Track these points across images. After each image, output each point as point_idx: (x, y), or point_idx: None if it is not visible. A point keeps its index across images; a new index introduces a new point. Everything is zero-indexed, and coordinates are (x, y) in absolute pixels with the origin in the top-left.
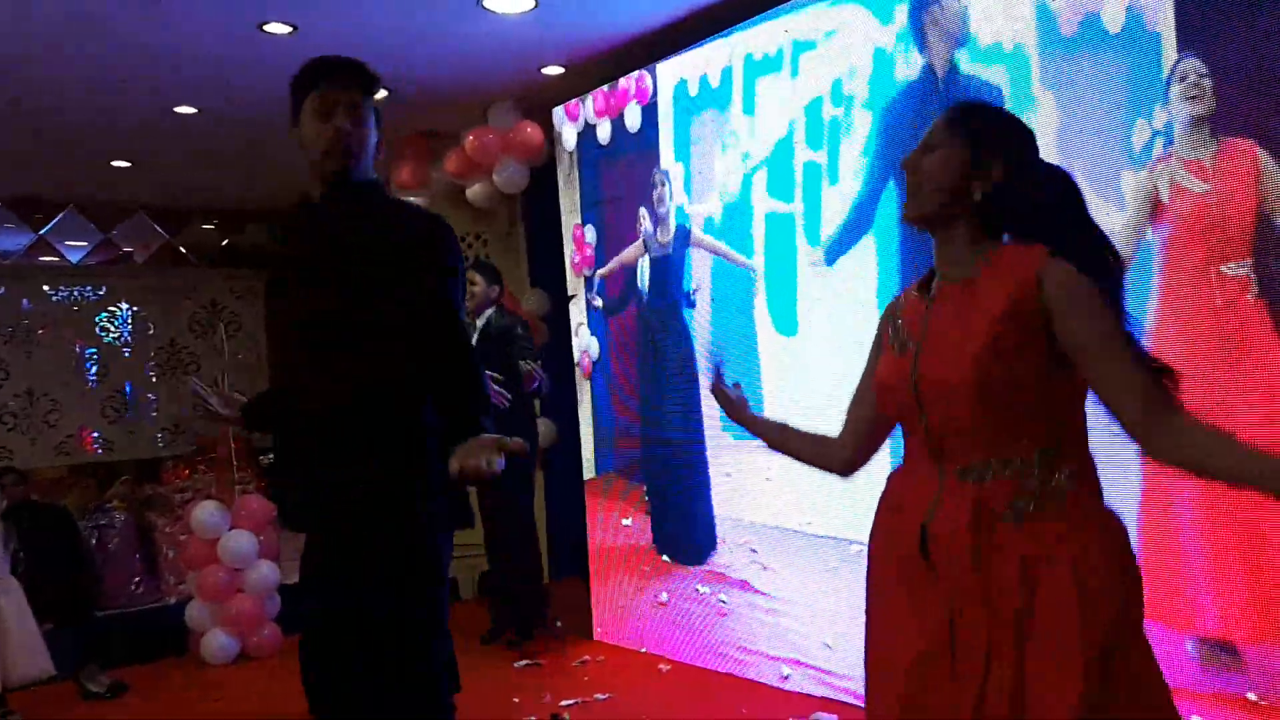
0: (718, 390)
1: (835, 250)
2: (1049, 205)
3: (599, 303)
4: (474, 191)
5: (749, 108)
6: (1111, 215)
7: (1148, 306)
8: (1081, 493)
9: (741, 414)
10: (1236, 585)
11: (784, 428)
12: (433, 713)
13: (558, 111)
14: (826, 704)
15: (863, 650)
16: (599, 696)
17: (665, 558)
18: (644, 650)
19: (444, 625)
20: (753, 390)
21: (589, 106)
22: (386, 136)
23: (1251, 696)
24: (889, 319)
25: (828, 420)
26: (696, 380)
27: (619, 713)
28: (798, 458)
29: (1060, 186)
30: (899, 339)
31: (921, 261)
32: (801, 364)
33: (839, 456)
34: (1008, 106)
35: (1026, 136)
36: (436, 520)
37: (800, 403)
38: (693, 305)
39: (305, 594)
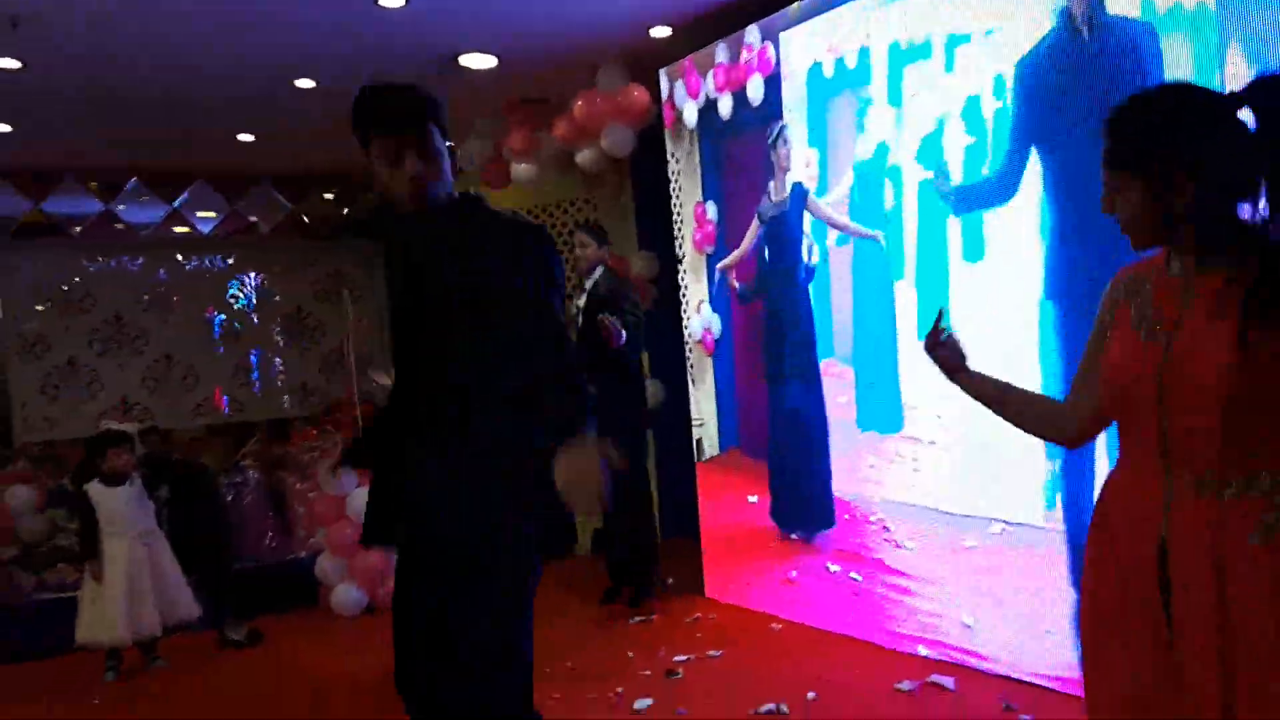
0: (932, 345)
1: (967, 201)
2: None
3: (740, 290)
4: (583, 156)
5: (894, 98)
6: None
7: None
8: None
9: (957, 371)
10: None
11: (1006, 386)
12: None
13: (664, 73)
14: (943, 666)
15: (1079, 648)
16: (712, 653)
17: (782, 529)
18: (756, 609)
19: (520, 651)
20: (893, 396)
21: (710, 82)
22: (497, 103)
23: None
24: (1127, 293)
25: (976, 432)
26: (815, 354)
27: (732, 669)
28: (1016, 422)
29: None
30: (1145, 321)
31: (1088, 258)
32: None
33: (1068, 427)
34: (1191, 73)
35: (1205, 120)
36: (524, 542)
37: (947, 414)
38: (811, 278)
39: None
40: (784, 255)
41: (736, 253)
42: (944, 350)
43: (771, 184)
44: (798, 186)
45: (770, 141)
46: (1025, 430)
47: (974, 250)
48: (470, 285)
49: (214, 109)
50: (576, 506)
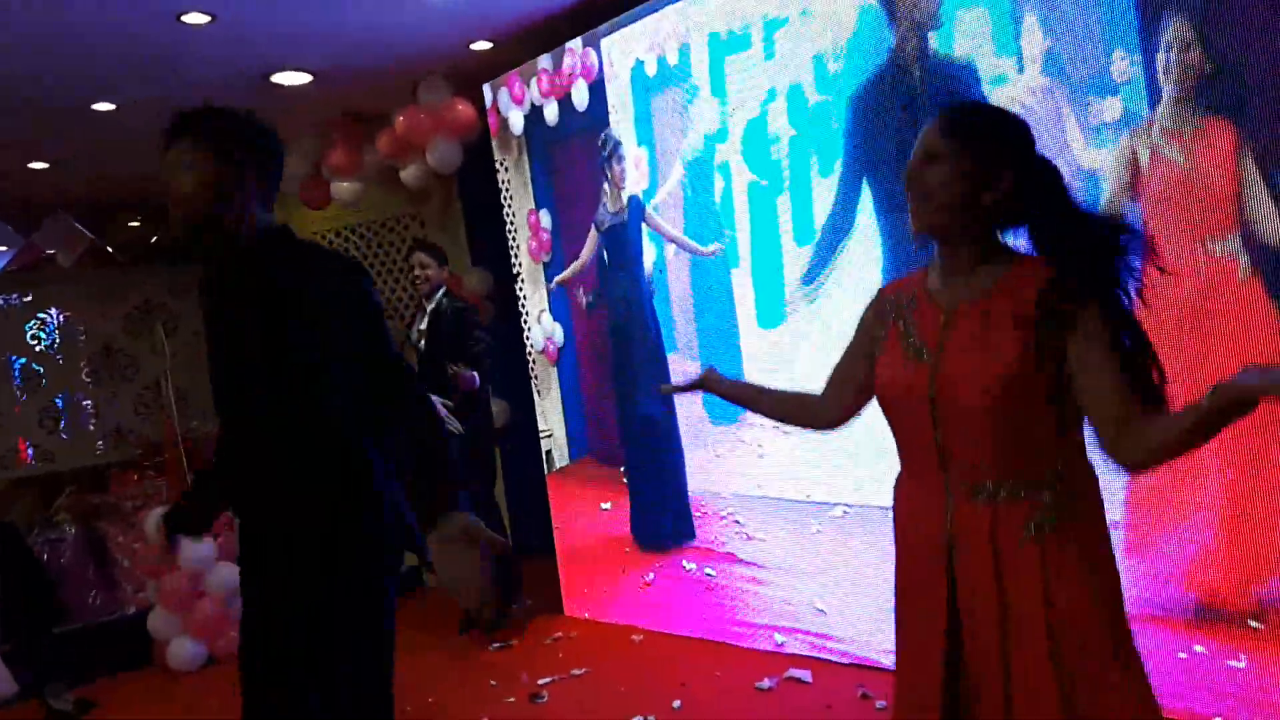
0: (675, 389)
1: (816, 270)
2: (1053, 200)
3: (585, 301)
4: (408, 173)
5: (718, 89)
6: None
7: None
8: (1089, 506)
9: (715, 389)
10: (1218, 561)
11: (760, 390)
12: None
13: (488, 87)
14: (801, 661)
15: (893, 638)
16: (575, 672)
17: (643, 547)
18: (616, 622)
19: (382, 682)
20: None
21: (534, 89)
22: (315, 120)
23: (1254, 624)
24: (894, 314)
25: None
26: (666, 364)
27: (596, 686)
28: (777, 416)
29: (1054, 176)
30: (912, 345)
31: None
32: (787, 359)
33: (822, 418)
34: (988, 53)
35: (1026, 134)
36: (378, 570)
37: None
38: (653, 293)
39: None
40: (625, 263)
41: (576, 264)
42: (689, 387)
43: (607, 193)
44: (634, 199)
45: (605, 156)
46: (786, 422)
47: (804, 234)
48: (283, 333)
49: (1, 136)
50: (462, 600)
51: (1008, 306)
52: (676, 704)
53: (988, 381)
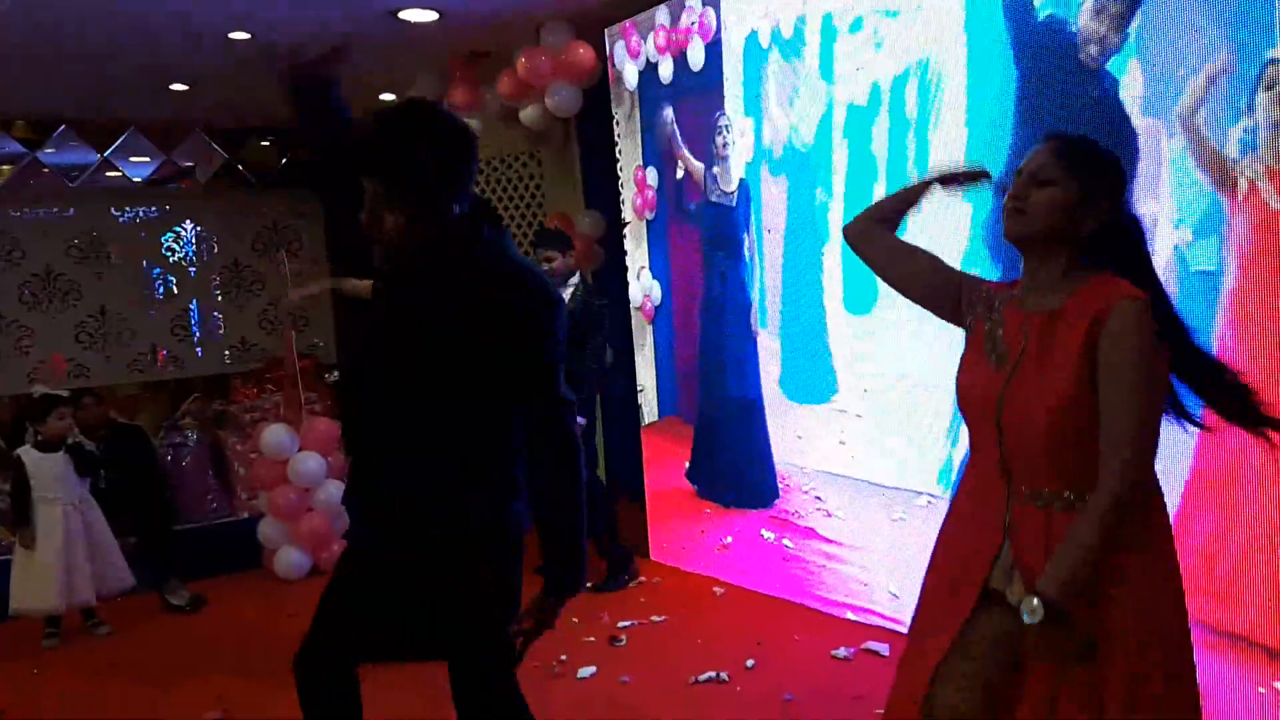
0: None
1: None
2: (1135, 244)
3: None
4: (527, 114)
5: (826, 73)
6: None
7: (1214, 319)
8: (1149, 518)
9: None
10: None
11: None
12: None
13: (608, 32)
14: (880, 633)
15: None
16: (655, 619)
17: (701, 493)
18: (698, 573)
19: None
20: (825, 375)
21: (650, 44)
22: (439, 57)
23: None
24: (986, 309)
25: (903, 407)
26: (753, 333)
27: (675, 635)
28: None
29: (1137, 226)
30: (994, 348)
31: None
32: (877, 346)
33: (900, 279)
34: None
35: (1124, 177)
36: (511, 560)
37: (873, 388)
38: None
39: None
40: (726, 244)
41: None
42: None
43: (720, 175)
44: (744, 185)
45: (714, 133)
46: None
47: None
48: (457, 338)
49: (145, 58)
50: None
51: (1073, 323)
52: (750, 663)
53: (1048, 402)
